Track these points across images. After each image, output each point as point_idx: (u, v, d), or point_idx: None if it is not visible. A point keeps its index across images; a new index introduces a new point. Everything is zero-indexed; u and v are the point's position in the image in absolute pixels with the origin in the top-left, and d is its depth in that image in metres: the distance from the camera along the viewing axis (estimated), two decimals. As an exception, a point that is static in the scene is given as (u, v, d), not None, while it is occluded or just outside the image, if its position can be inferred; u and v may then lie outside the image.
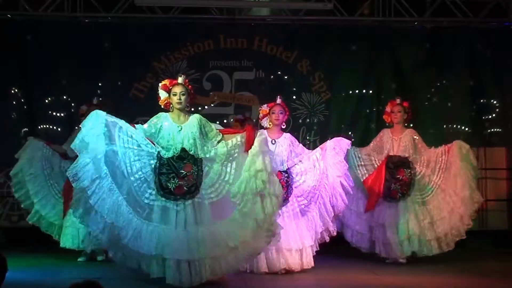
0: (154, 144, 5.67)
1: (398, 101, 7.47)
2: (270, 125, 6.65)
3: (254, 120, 8.15)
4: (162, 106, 5.86)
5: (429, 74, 9.09)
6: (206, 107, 8.91)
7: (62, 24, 8.91)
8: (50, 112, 8.77)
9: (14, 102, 8.77)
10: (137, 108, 8.37)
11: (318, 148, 6.70)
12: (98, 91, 8.57)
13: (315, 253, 6.57)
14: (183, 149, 5.64)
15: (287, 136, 6.68)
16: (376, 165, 7.33)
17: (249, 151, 5.64)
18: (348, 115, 9.05)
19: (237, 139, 5.73)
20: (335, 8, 8.93)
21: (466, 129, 9.06)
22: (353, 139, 8.40)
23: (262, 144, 5.66)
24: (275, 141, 6.59)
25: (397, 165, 7.27)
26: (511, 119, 9.10)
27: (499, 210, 8.96)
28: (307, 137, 8.92)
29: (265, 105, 6.72)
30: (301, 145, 6.82)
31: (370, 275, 6.45)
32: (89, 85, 8.64)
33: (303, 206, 6.55)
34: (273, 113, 6.61)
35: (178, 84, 5.78)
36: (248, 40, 9.02)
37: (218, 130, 5.87)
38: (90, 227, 5.36)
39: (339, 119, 9.01)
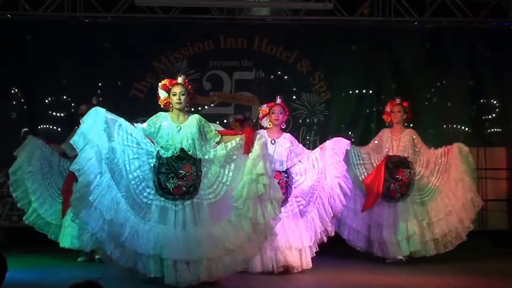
0: (153, 143, 5.67)
1: (398, 101, 7.47)
2: (270, 125, 6.64)
3: (254, 120, 8.15)
4: (162, 106, 5.86)
5: (429, 74, 9.09)
6: (206, 107, 8.92)
7: (62, 24, 8.92)
8: (50, 112, 8.78)
9: (14, 102, 8.78)
10: (137, 108, 8.37)
11: (317, 148, 6.71)
12: (98, 91, 8.57)
13: (314, 254, 6.57)
14: (182, 149, 5.64)
15: (287, 136, 6.68)
16: (375, 164, 7.33)
17: (249, 154, 5.66)
18: (348, 115, 9.05)
19: (236, 141, 5.74)
20: (335, 8, 8.94)
21: (466, 129, 9.07)
22: (353, 139, 8.41)
23: (262, 148, 5.69)
24: (274, 141, 6.58)
25: (396, 165, 7.28)
26: (511, 119, 9.11)
27: (499, 210, 8.96)
28: (307, 137, 8.92)
29: (265, 105, 6.72)
30: (301, 145, 6.82)
31: (370, 275, 6.45)
32: (89, 85, 8.65)
33: (302, 207, 6.55)
34: (273, 113, 6.60)
35: (177, 84, 5.78)
36: (248, 40, 9.02)
37: (217, 131, 5.87)
38: (89, 225, 5.34)
39: (339, 119, 9.01)
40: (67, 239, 6.94)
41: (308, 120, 8.99)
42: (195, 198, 5.58)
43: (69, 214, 6.67)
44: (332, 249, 6.84)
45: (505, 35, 9.10)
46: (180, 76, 5.89)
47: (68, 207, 6.75)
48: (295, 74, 9.05)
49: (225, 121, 8.78)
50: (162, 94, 5.81)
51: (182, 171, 5.59)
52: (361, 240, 7.28)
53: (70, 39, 8.77)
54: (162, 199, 5.54)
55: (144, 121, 5.81)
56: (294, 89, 9.04)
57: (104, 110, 5.50)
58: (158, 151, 5.64)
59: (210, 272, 5.49)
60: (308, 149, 6.95)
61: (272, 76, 9.04)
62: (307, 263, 6.45)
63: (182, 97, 5.73)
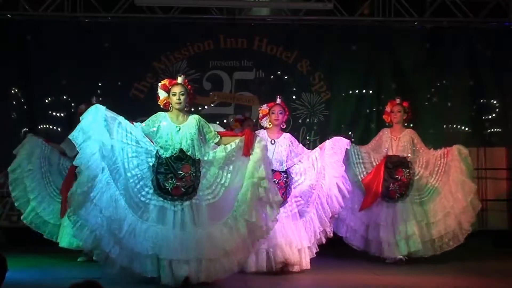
0: (152, 143, 5.68)
1: (398, 101, 7.48)
2: (269, 125, 6.64)
3: (254, 120, 8.15)
4: (162, 106, 5.86)
5: (429, 74, 9.09)
6: (206, 107, 8.92)
7: (62, 24, 8.92)
8: (50, 112, 8.79)
9: (14, 102, 8.78)
10: (137, 108, 8.36)
11: (317, 148, 6.71)
12: (98, 91, 8.56)
13: (314, 255, 6.57)
14: (181, 150, 5.64)
15: (287, 136, 6.68)
16: (374, 164, 7.34)
17: (250, 157, 5.67)
18: (348, 115, 9.05)
19: (235, 143, 5.74)
20: (335, 8, 8.94)
21: (466, 129, 9.07)
22: (353, 139, 8.41)
23: (263, 151, 5.72)
24: (274, 141, 6.58)
25: (395, 165, 7.28)
26: (511, 119, 9.10)
27: (499, 210, 8.96)
28: (307, 137, 8.92)
29: (265, 105, 6.71)
30: (300, 145, 6.81)
31: (370, 275, 6.45)
32: (89, 85, 8.64)
33: (301, 207, 6.54)
34: (272, 113, 6.60)
35: (177, 84, 5.78)
36: (248, 40, 9.02)
37: (216, 132, 5.86)
38: (88, 221, 5.34)
39: (339, 119, 9.01)
40: (65, 239, 6.94)
41: (308, 120, 8.99)
42: (194, 199, 5.58)
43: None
44: (331, 249, 6.84)
45: (505, 35, 9.10)
46: (180, 76, 5.89)
47: (67, 207, 6.77)
48: (295, 74, 9.05)
49: (225, 121, 8.78)
50: (162, 94, 5.81)
51: (181, 172, 5.59)
52: (358, 239, 7.28)
53: (70, 39, 8.77)
54: (161, 199, 5.54)
55: (143, 121, 5.81)
56: (294, 89, 9.05)
57: (104, 107, 5.51)
58: (157, 151, 5.64)
59: (209, 273, 5.49)
60: (308, 149, 6.95)
61: (272, 76, 9.04)
62: (306, 263, 6.44)
63: (182, 97, 5.73)
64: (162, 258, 5.43)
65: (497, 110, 9.11)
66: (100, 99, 7.66)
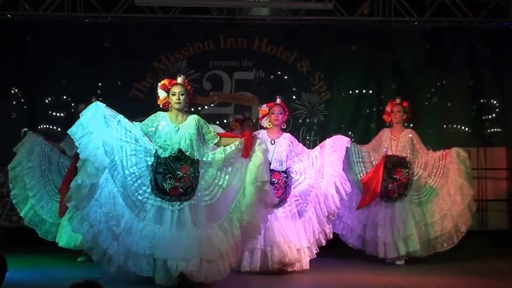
0: (151, 142, 5.68)
1: (398, 101, 7.48)
2: (269, 125, 6.64)
3: (254, 120, 8.15)
4: (161, 106, 5.86)
5: (429, 74, 9.09)
6: (206, 107, 8.92)
7: (62, 24, 8.92)
8: (50, 112, 8.78)
9: (14, 102, 8.78)
10: (137, 108, 8.35)
11: (317, 147, 6.71)
12: (98, 91, 8.55)
13: (315, 255, 6.57)
14: (180, 150, 5.64)
15: (287, 136, 6.68)
16: (374, 163, 7.35)
17: (252, 160, 5.68)
18: (348, 115, 9.05)
19: (235, 145, 5.74)
20: (335, 8, 8.93)
21: (466, 129, 9.07)
22: (353, 139, 8.39)
23: (265, 154, 5.76)
24: (274, 141, 6.58)
25: (395, 165, 7.29)
26: (511, 119, 9.10)
27: (499, 210, 8.96)
28: (307, 137, 8.92)
29: (265, 105, 6.71)
30: (301, 144, 6.82)
31: (370, 275, 6.45)
32: (89, 85, 8.64)
33: (300, 207, 6.54)
34: (272, 113, 6.60)
35: (177, 84, 5.78)
36: (248, 40, 9.02)
37: (216, 133, 5.86)
38: (90, 216, 5.36)
39: (339, 119, 9.01)
40: (63, 238, 6.94)
41: (308, 120, 8.99)
42: (192, 199, 5.57)
43: (68, 213, 6.69)
44: (331, 249, 6.84)
45: (505, 35, 9.10)
46: (180, 76, 5.89)
47: (67, 207, 6.76)
48: (295, 74, 9.05)
49: (225, 121, 8.78)
50: (162, 94, 5.81)
51: (179, 172, 5.58)
52: (355, 238, 7.29)
53: (70, 39, 8.77)
54: (159, 199, 5.54)
55: (143, 121, 5.81)
56: (294, 89, 9.04)
57: (103, 105, 5.52)
58: (156, 150, 5.64)
59: (206, 273, 5.48)
60: (308, 148, 6.95)
61: (272, 76, 9.04)
62: (306, 263, 6.44)
63: (182, 97, 5.72)
64: (157, 258, 5.42)
65: (497, 110, 9.11)
66: (100, 99, 7.59)
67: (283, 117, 6.63)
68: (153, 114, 5.79)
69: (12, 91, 8.78)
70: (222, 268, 5.57)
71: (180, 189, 5.56)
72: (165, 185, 5.55)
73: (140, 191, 5.55)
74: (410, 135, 7.42)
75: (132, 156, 5.57)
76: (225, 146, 5.76)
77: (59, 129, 8.61)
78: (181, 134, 5.68)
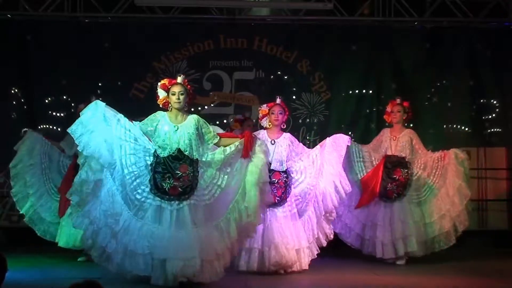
0: (151, 142, 5.69)
1: (398, 101, 7.49)
2: (269, 125, 6.63)
3: (254, 120, 8.15)
4: (161, 106, 5.86)
5: (429, 74, 9.09)
6: (206, 107, 8.92)
7: (62, 24, 8.92)
8: (50, 112, 8.79)
9: (14, 102, 8.79)
10: (137, 108, 8.34)
11: (317, 146, 6.71)
12: (98, 91, 8.55)
13: (316, 256, 6.57)
14: (178, 150, 5.64)
15: (287, 136, 6.67)
16: (374, 163, 7.36)
17: (254, 161, 5.69)
18: (348, 115, 9.05)
19: (235, 145, 5.74)
20: (335, 8, 8.93)
21: (466, 129, 9.07)
22: (353, 139, 8.39)
23: (266, 156, 5.79)
24: (274, 141, 6.58)
25: (394, 165, 7.30)
26: (511, 119, 9.10)
27: (499, 210, 8.96)
28: (307, 137, 8.92)
29: (265, 105, 6.71)
30: (301, 144, 6.82)
31: (370, 275, 6.45)
32: (89, 85, 8.64)
33: (300, 206, 6.53)
34: (272, 113, 6.60)
35: (177, 83, 5.78)
36: (248, 40, 9.02)
37: (216, 134, 5.86)
38: (91, 213, 5.38)
39: (339, 119, 9.01)
40: (63, 238, 6.95)
41: (308, 120, 8.99)
42: (191, 199, 5.57)
43: (68, 215, 6.70)
44: (331, 249, 6.84)
45: (505, 35, 9.10)
46: (180, 76, 5.89)
47: (66, 206, 6.77)
48: (295, 74, 9.05)
49: (225, 121, 8.79)
50: (161, 93, 5.81)
51: (178, 172, 5.58)
52: (353, 237, 7.30)
53: (70, 39, 8.77)
54: (158, 198, 5.54)
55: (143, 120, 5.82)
56: (294, 89, 9.04)
57: (103, 104, 5.54)
58: (155, 150, 5.64)
59: (205, 274, 5.47)
60: (308, 148, 6.95)
61: (272, 76, 9.04)
62: (305, 263, 6.44)
63: (181, 97, 5.72)
64: (155, 258, 5.42)
65: (497, 110, 9.11)
66: (100, 99, 7.58)
67: (283, 117, 6.63)
68: (153, 114, 5.79)
69: (12, 91, 8.78)
70: (218, 268, 5.58)
71: (179, 189, 5.56)
72: (164, 184, 5.55)
73: (139, 190, 5.55)
74: (410, 135, 7.43)
75: (131, 156, 5.57)
76: (224, 146, 5.76)
77: (59, 129, 8.61)
78: (180, 133, 5.68)
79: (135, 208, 5.51)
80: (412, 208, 7.23)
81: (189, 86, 5.88)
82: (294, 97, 8.97)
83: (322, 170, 6.51)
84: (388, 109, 7.55)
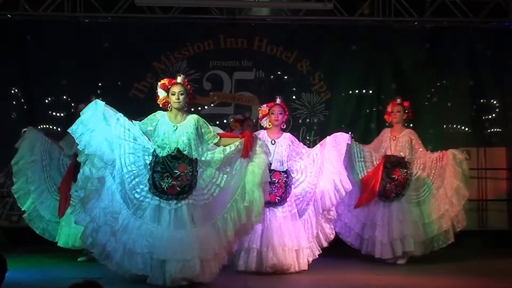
0: (150, 141, 5.69)
1: (398, 101, 7.50)
2: (269, 125, 6.64)
3: (254, 120, 8.15)
4: (161, 105, 5.87)
5: (429, 74, 9.09)
6: (206, 107, 8.92)
7: (62, 24, 8.92)
8: (50, 112, 8.78)
9: (14, 102, 8.78)
10: (137, 108, 8.34)
11: (318, 145, 6.71)
12: (98, 91, 8.55)
13: (317, 256, 6.56)
14: (177, 149, 5.65)
15: (287, 136, 6.68)
16: (375, 163, 7.36)
17: (255, 161, 5.70)
18: (348, 115, 9.05)
19: (235, 145, 5.74)
20: (335, 8, 8.93)
21: (466, 129, 9.07)
22: (353, 139, 8.40)
23: (267, 156, 5.81)
24: (275, 141, 6.58)
25: (393, 165, 7.31)
26: (511, 119, 9.10)
27: (499, 210, 8.96)
28: (307, 137, 8.92)
29: (265, 105, 6.71)
30: (301, 143, 6.83)
31: (370, 275, 6.45)
32: (89, 85, 8.64)
33: (301, 206, 6.53)
34: (272, 113, 6.60)
35: (177, 83, 5.79)
36: (248, 40, 9.02)
37: (216, 134, 5.86)
38: (92, 211, 5.39)
39: (339, 119, 9.00)
40: (62, 238, 6.95)
41: (308, 120, 8.99)
42: (190, 198, 5.57)
43: (67, 214, 6.70)
44: (331, 249, 6.84)
45: (505, 35, 9.09)
46: (180, 75, 5.89)
47: (66, 206, 6.77)
48: (295, 74, 9.04)
49: (225, 121, 8.79)
50: (161, 93, 5.82)
51: (177, 171, 5.59)
52: (353, 236, 7.30)
53: (70, 39, 8.77)
54: (156, 198, 5.55)
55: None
56: (294, 89, 9.04)
57: (103, 103, 5.56)
58: (154, 150, 5.65)
59: (203, 274, 5.47)
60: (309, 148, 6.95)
61: (272, 76, 9.04)
62: (304, 264, 6.43)
63: (181, 97, 5.73)
64: (154, 258, 5.43)
65: (497, 110, 9.11)
66: (100, 99, 7.60)
67: (283, 117, 6.63)
68: (152, 114, 5.80)
69: (12, 91, 8.78)
70: (214, 268, 5.59)
71: (178, 188, 5.56)
72: (162, 183, 5.56)
73: (138, 190, 5.56)
74: (410, 136, 7.43)
75: (130, 155, 5.59)
76: (225, 146, 5.76)
77: (59, 129, 8.60)
78: (179, 133, 5.69)
79: (134, 207, 5.52)
80: (411, 208, 7.24)
81: (189, 86, 5.88)
82: (294, 97, 8.97)
83: (322, 168, 6.51)
84: (389, 109, 7.56)
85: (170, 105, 5.78)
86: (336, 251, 7.23)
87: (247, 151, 5.70)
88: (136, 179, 5.57)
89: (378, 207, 7.27)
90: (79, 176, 5.49)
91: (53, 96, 8.79)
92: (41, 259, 7.17)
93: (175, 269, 5.37)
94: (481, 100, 9.13)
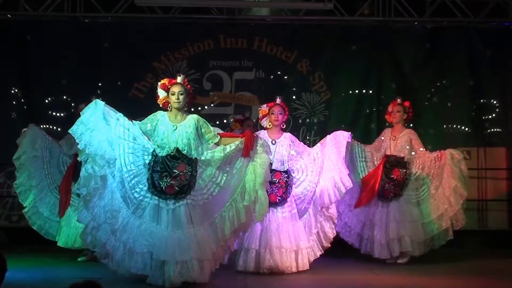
0: (150, 141, 5.70)
1: (398, 101, 7.50)
2: (269, 125, 6.63)
3: (254, 120, 8.15)
4: (161, 105, 5.87)
5: (429, 74, 9.09)
6: (206, 107, 8.92)
7: (62, 24, 8.92)
8: (50, 112, 8.79)
9: (14, 102, 8.79)
10: (137, 108, 8.34)
11: (318, 144, 6.71)
12: (98, 91, 8.55)
13: (318, 256, 6.56)
14: (177, 149, 5.65)
15: (287, 136, 6.68)
16: (376, 163, 7.38)
17: (257, 161, 5.69)
18: (348, 115, 9.05)
19: (235, 144, 5.73)
20: (335, 8, 8.93)
21: (466, 129, 9.06)
22: (353, 139, 8.40)
23: (269, 155, 5.81)
24: (275, 141, 6.58)
25: (393, 165, 7.31)
26: (511, 119, 9.10)
27: (499, 210, 8.95)
28: (307, 137, 8.92)
29: (265, 105, 6.71)
30: (301, 143, 6.82)
31: (370, 275, 6.45)
32: (89, 85, 8.64)
33: (301, 206, 6.52)
34: (272, 113, 6.60)
35: (177, 83, 5.79)
36: (248, 40, 9.02)
37: (217, 133, 5.86)
38: (92, 210, 5.40)
39: (339, 119, 8.99)
40: (62, 238, 6.94)
41: (308, 120, 8.99)
42: (188, 198, 5.57)
43: (67, 215, 6.70)
44: (331, 249, 6.84)
45: (505, 35, 9.10)
46: (180, 75, 5.90)
47: (66, 207, 6.77)
48: (295, 74, 9.04)
49: (225, 121, 8.79)
50: (161, 93, 5.82)
51: (176, 171, 5.59)
52: (353, 236, 7.32)
53: (70, 39, 8.77)
54: (155, 197, 5.55)
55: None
56: (294, 89, 9.04)
57: (103, 103, 5.57)
58: (154, 149, 5.65)
59: (201, 274, 5.47)
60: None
61: (272, 76, 9.04)
62: (303, 264, 6.42)
63: (181, 97, 5.73)
64: (154, 258, 5.43)
65: (497, 110, 9.11)
66: (100, 99, 7.60)
67: (283, 117, 6.63)
68: (152, 114, 5.80)
69: (12, 91, 8.78)
70: (213, 267, 5.60)
71: (176, 187, 5.56)
72: (161, 183, 5.56)
73: (137, 189, 5.57)
74: (409, 135, 7.43)
75: (130, 154, 5.60)
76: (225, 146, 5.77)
77: (59, 129, 8.60)
78: (179, 133, 5.69)
79: (134, 206, 5.53)
80: (410, 208, 7.24)
81: (189, 86, 5.89)
82: (294, 97, 8.97)
83: (323, 167, 6.51)
84: (389, 109, 7.56)
85: (170, 105, 5.78)
86: (336, 251, 7.23)
87: (247, 150, 5.70)
88: (136, 179, 5.57)
89: (377, 207, 7.28)
90: (81, 174, 5.49)
91: (53, 96, 8.80)
92: (41, 259, 7.16)
93: (174, 271, 5.37)
94: (481, 100, 9.13)
